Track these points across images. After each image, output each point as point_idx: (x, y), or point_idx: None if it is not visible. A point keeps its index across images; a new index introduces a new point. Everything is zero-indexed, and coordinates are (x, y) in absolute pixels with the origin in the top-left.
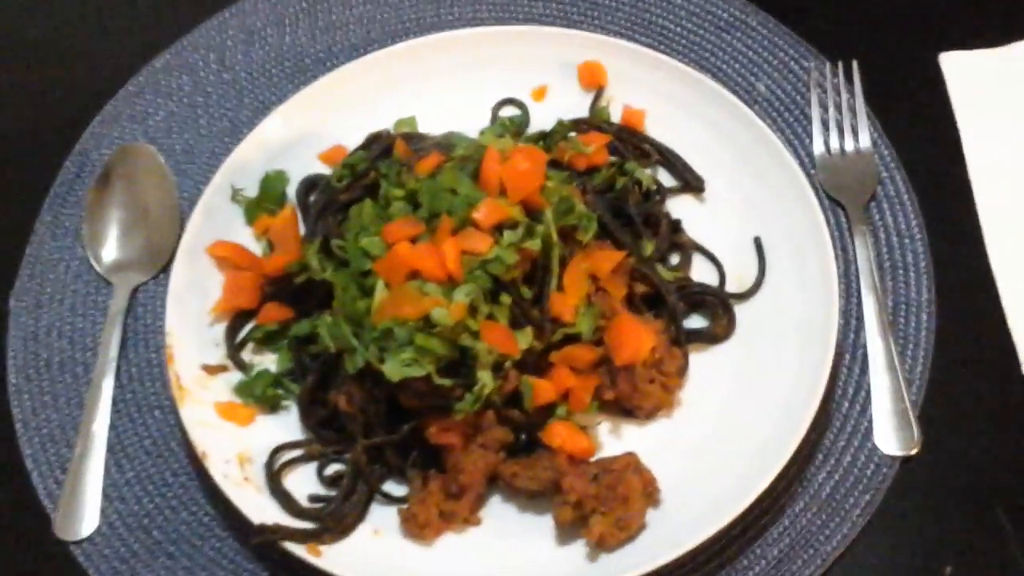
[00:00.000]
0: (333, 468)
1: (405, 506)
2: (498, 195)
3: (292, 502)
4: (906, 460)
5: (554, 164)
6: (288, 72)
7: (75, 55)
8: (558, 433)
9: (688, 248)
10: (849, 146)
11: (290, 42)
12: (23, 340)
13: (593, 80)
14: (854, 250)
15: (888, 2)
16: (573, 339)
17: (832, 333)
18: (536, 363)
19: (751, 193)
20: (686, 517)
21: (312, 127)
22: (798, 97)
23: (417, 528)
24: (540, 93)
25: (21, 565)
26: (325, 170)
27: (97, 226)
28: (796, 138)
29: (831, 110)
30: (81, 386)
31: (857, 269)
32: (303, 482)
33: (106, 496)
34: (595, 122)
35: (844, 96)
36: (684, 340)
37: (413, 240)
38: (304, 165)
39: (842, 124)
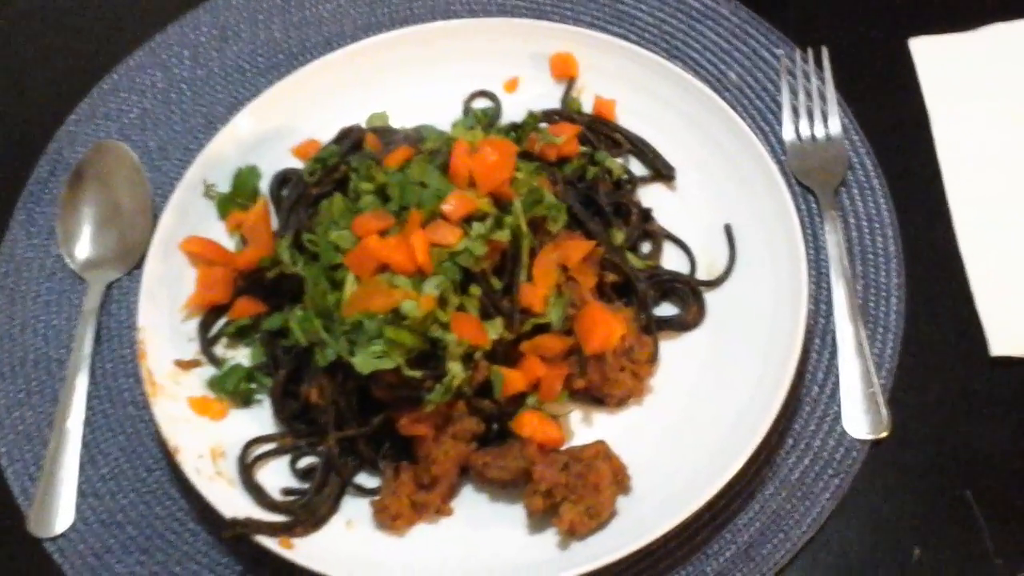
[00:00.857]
0: (306, 461)
1: (377, 498)
2: (467, 187)
3: (264, 495)
4: (875, 444)
5: (525, 155)
6: (261, 68)
7: (48, 53)
8: (528, 423)
9: (659, 236)
10: (819, 132)
11: (264, 38)
12: None
13: (565, 71)
14: (824, 236)
15: None
16: (543, 329)
17: (801, 318)
18: (506, 353)
19: (722, 181)
20: (656, 503)
21: (285, 122)
22: (769, 85)
23: (389, 519)
24: (512, 85)
25: None
26: (298, 164)
27: (71, 224)
28: (767, 125)
29: (801, 96)
30: (55, 383)
31: (827, 255)
32: (276, 475)
33: (81, 492)
34: (566, 113)
35: (814, 82)
36: (654, 328)
37: (383, 233)
38: (277, 160)
39: (812, 110)
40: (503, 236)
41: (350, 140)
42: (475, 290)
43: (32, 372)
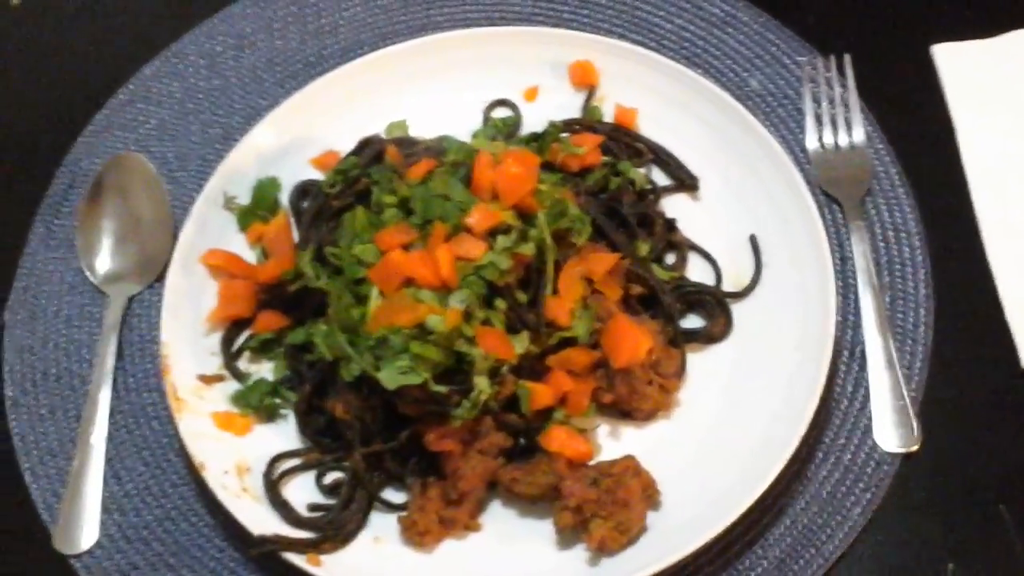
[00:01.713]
0: (332, 476)
1: (405, 513)
2: (491, 200)
3: (291, 511)
4: (907, 457)
5: (547, 166)
6: (279, 77)
7: (65, 65)
8: (556, 437)
9: (683, 247)
10: (843, 141)
11: (280, 47)
12: (19, 353)
13: (584, 79)
14: (850, 246)
15: None
16: (569, 343)
17: (830, 330)
18: (533, 367)
19: (745, 190)
20: (687, 519)
21: (304, 132)
22: (791, 92)
23: (417, 535)
24: (532, 93)
25: None
26: (318, 175)
27: (90, 237)
28: (790, 133)
29: (824, 104)
30: (78, 398)
31: (854, 265)
32: (302, 491)
33: (105, 509)
34: (587, 122)
35: (837, 90)
36: (681, 341)
37: (406, 247)
38: (296, 171)
39: (836, 119)
40: (528, 249)
41: (370, 151)
42: (500, 304)
43: (55, 387)
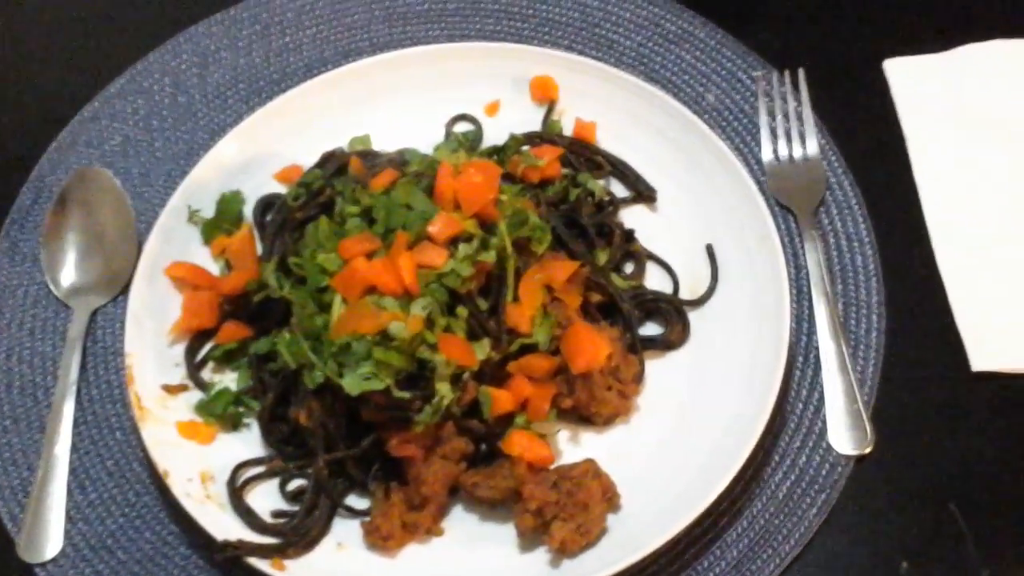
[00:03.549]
0: (295, 484)
1: (368, 519)
2: (452, 209)
3: (255, 518)
4: (860, 459)
5: (508, 178)
6: (243, 94)
7: (30, 82)
8: (517, 442)
9: (641, 257)
10: (797, 153)
11: (244, 64)
12: None
13: (545, 94)
14: (804, 255)
15: (832, 11)
16: (530, 349)
17: (784, 336)
18: (494, 373)
19: (702, 201)
20: (646, 521)
21: (267, 147)
22: (746, 106)
23: (381, 540)
24: (493, 108)
25: None
26: (281, 189)
27: (55, 250)
28: (745, 146)
29: (779, 118)
30: (42, 409)
31: (808, 273)
32: (266, 498)
33: (70, 518)
34: (548, 135)
35: (791, 104)
36: (639, 347)
37: (369, 255)
38: (260, 185)
39: (790, 131)
40: (489, 257)
41: (333, 164)
42: (462, 311)
43: (18, 399)
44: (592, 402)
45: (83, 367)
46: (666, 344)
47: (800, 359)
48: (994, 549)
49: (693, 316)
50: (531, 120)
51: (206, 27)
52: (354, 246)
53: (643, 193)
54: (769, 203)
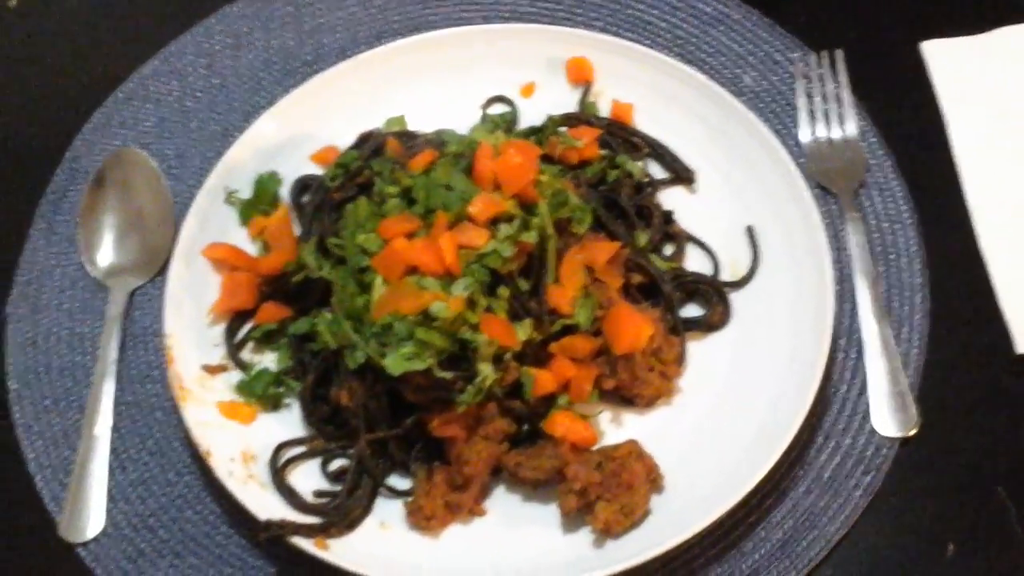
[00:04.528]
0: (337, 463)
1: (410, 499)
2: (492, 190)
3: (297, 498)
4: (905, 441)
5: (546, 159)
6: (276, 75)
7: (64, 63)
8: (560, 422)
9: (681, 238)
10: (836, 134)
11: (277, 46)
12: (21, 347)
13: (580, 75)
14: (846, 237)
15: None
16: (571, 330)
17: (828, 318)
18: (536, 354)
19: (741, 183)
20: (689, 502)
21: (303, 128)
22: (784, 88)
23: (423, 520)
24: (528, 90)
25: (29, 567)
26: (317, 171)
27: (92, 231)
28: (783, 128)
29: (817, 99)
30: (82, 390)
31: (849, 255)
32: (307, 478)
33: (111, 497)
34: (585, 117)
35: (830, 85)
36: (681, 328)
37: (410, 236)
38: (296, 166)
39: (828, 113)
40: (530, 237)
41: (371, 144)
42: (503, 292)
43: (58, 379)
44: (634, 383)
45: (122, 347)
46: (707, 325)
47: (843, 340)
48: None
49: (734, 298)
50: (567, 102)
51: (239, 8)
52: (394, 226)
53: (681, 174)
54: (809, 185)
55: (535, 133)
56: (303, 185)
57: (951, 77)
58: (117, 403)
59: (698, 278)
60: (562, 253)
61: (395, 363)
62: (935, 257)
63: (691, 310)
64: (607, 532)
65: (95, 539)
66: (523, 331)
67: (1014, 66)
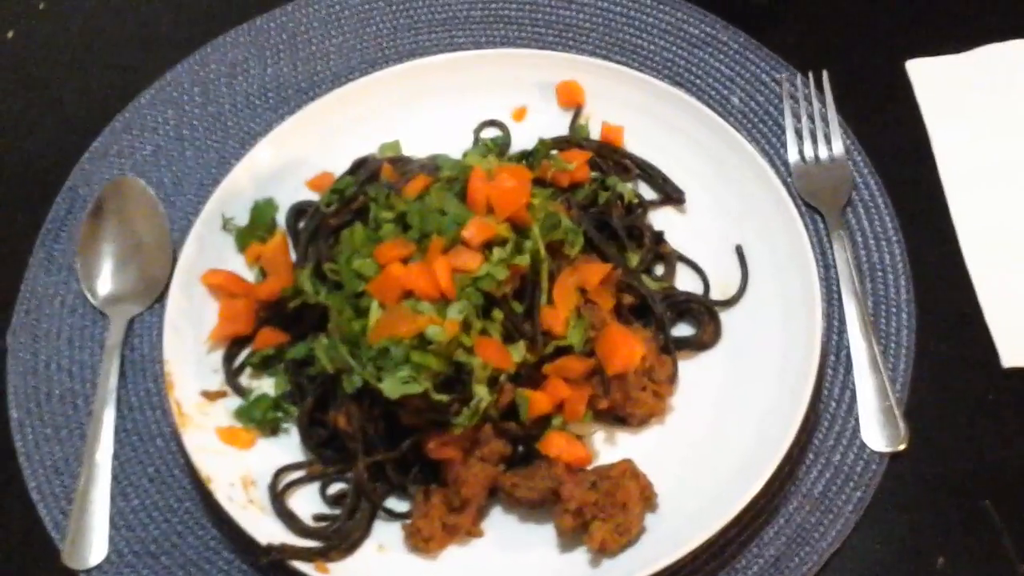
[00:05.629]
0: (336, 487)
1: (408, 521)
2: (486, 213)
3: (297, 522)
4: (894, 456)
5: (537, 182)
6: (272, 103)
7: (60, 94)
8: (555, 443)
9: (672, 258)
10: (823, 154)
11: (272, 74)
12: (22, 375)
13: (571, 99)
14: (833, 254)
15: (854, 13)
16: (565, 351)
17: (817, 336)
18: (530, 376)
19: (730, 203)
20: (684, 520)
21: (298, 155)
22: (771, 108)
23: (421, 542)
24: (520, 114)
25: None
26: (313, 197)
27: (91, 260)
28: (771, 148)
29: (804, 120)
30: (82, 418)
31: (837, 273)
32: (307, 502)
33: (113, 525)
34: (575, 140)
35: (816, 106)
36: (673, 348)
37: (405, 260)
38: (292, 192)
39: (815, 133)
40: (523, 260)
41: (366, 170)
42: (497, 314)
43: (58, 407)
44: (627, 403)
45: (121, 375)
46: (699, 344)
47: (832, 358)
48: None
49: (724, 316)
50: (558, 125)
51: (233, 37)
52: (389, 251)
53: (671, 195)
54: (797, 204)
55: (527, 157)
56: (299, 211)
57: (935, 95)
58: (118, 430)
59: (689, 297)
60: (555, 275)
61: (392, 387)
62: (921, 273)
63: (682, 329)
64: (603, 551)
65: (98, 567)
66: (517, 353)
67: (998, 84)
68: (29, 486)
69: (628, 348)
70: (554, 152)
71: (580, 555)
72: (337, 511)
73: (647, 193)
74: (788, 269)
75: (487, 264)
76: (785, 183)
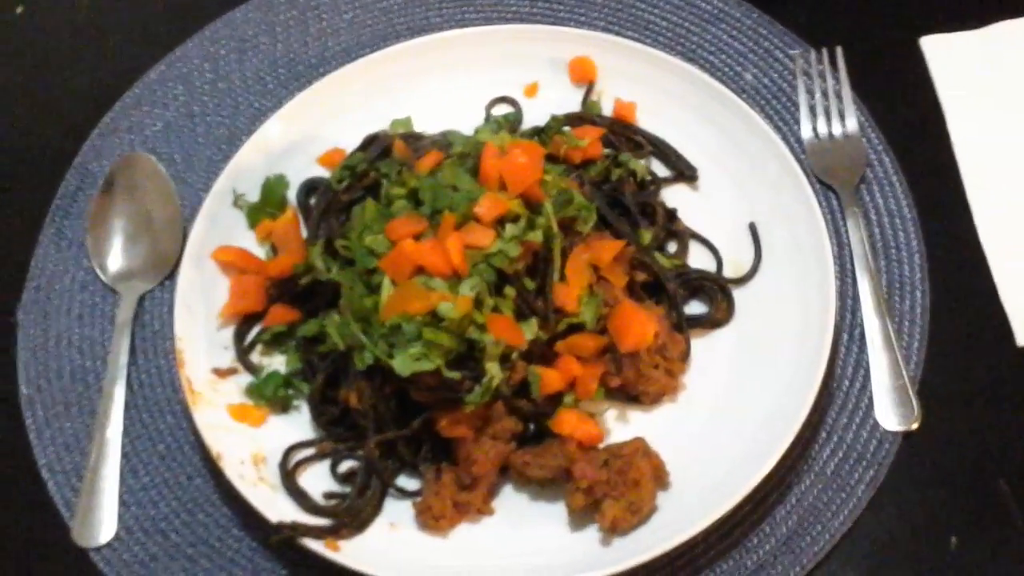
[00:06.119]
0: (346, 465)
1: (419, 499)
2: (498, 189)
3: (308, 499)
4: (907, 435)
5: (550, 158)
6: (282, 79)
7: (71, 69)
8: (567, 421)
9: (684, 236)
10: (837, 131)
11: (282, 49)
12: (32, 351)
13: (583, 75)
14: (847, 232)
15: None
16: (577, 328)
17: (830, 314)
18: (542, 353)
19: (743, 180)
20: (696, 499)
21: (309, 131)
22: (784, 85)
23: (432, 520)
24: (532, 90)
25: (42, 572)
26: (324, 173)
27: (101, 236)
28: (785, 125)
29: (817, 96)
30: (92, 394)
31: (850, 251)
32: (317, 479)
33: (123, 502)
34: (588, 116)
35: (830, 82)
36: (685, 325)
37: (417, 237)
38: (303, 168)
39: (829, 109)
40: (535, 237)
41: (377, 146)
42: (510, 291)
43: (69, 384)
44: (640, 380)
45: (132, 352)
46: (711, 322)
47: (845, 336)
48: None
49: (737, 294)
50: (570, 101)
51: (243, 13)
52: (402, 227)
53: (684, 172)
54: (810, 181)
55: (539, 133)
56: (310, 187)
57: (950, 72)
58: (128, 407)
59: (702, 275)
60: (567, 252)
61: (404, 364)
62: (935, 251)
63: (695, 307)
64: (614, 529)
65: (108, 544)
66: (529, 330)
67: (1013, 60)
68: (39, 463)
69: (640, 326)
70: (566, 128)
71: (591, 533)
72: (348, 489)
73: (660, 170)
74: (802, 247)
75: (499, 240)
76: (799, 160)
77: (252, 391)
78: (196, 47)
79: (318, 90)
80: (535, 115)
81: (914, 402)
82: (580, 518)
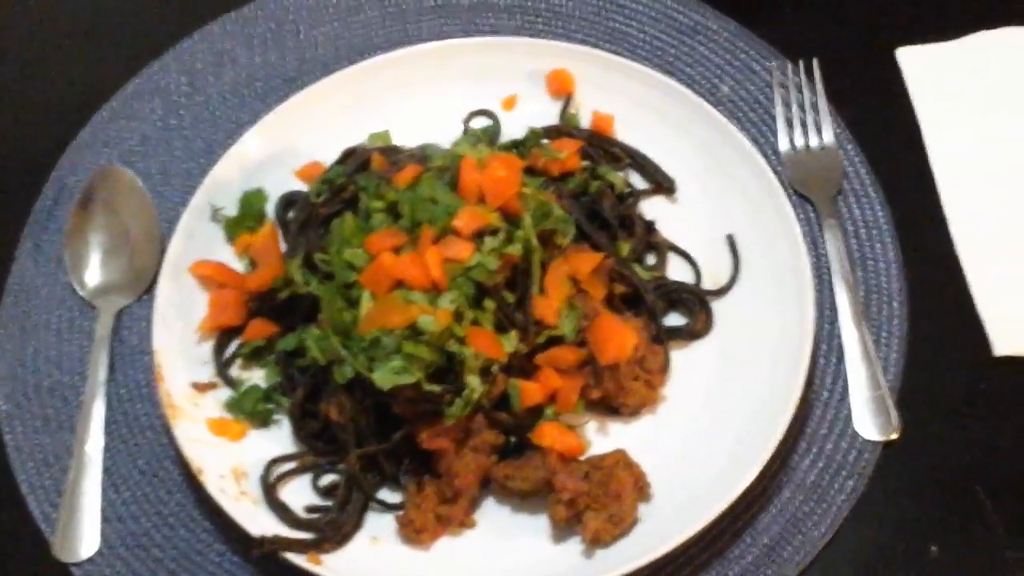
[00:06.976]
0: (328, 479)
1: (401, 512)
2: (477, 203)
3: (289, 513)
4: (887, 445)
5: (528, 171)
6: (260, 92)
7: (46, 83)
8: (548, 433)
9: (663, 248)
10: (814, 142)
11: (260, 62)
12: (10, 367)
13: (561, 87)
14: (824, 243)
15: (844, 1)
16: (557, 341)
17: (809, 325)
18: (522, 366)
19: (721, 191)
20: (677, 510)
21: (287, 144)
22: (761, 97)
23: (414, 533)
24: (510, 102)
25: None
26: (302, 187)
27: (79, 251)
28: (762, 136)
29: (794, 108)
30: (72, 410)
31: (828, 262)
32: (299, 493)
33: (104, 517)
34: (566, 128)
35: (806, 94)
36: (664, 337)
37: (396, 250)
38: (281, 182)
39: (806, 121)
40: (515, 250)
41: (355, 160)
42: (489, 304)
43: (47, 400)
44: (620, 392)
45: (111, 367)
46: (690, 334)
47: (823, 347)
48: (1021, 530)
49: (716, 306)
50: (548, 113)
51: (220, 26)
52: (380, 241)
53: (662, 184)
54: (787, 192)
55: (517, 146)
56: (288, 201)
57: (926, 83)
58: (108, 423)
59: (680, 287)
60: (546, 265)
61: (384, 377)
62: (912, 261)
63: (674, 319)
64: (597, 541)
65: (90, 559)
66: (509, 343)
67: (988, 71)
68: (18, 479)
69: (620, 338)
70: (545, 141)
71: (573, 545)
72: (329, 503)
73: (638, 182)
74: (779, 258)
75: (479, 254)
76: (776, 172)
77: (232, 405)
78: (173, 60)
79: (296, 103)
80: (513, 128)
81: (892, 412)
82: (562, 530)
